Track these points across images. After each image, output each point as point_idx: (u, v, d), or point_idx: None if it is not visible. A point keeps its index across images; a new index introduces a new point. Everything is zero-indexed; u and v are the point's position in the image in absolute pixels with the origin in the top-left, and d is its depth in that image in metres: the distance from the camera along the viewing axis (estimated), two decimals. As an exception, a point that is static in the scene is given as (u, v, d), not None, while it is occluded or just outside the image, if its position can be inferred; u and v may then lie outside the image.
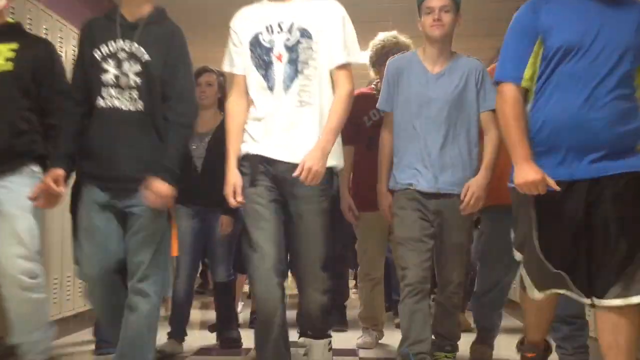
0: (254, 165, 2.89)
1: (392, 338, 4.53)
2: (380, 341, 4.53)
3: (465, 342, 3.72)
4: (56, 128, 3.13)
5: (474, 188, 3.24)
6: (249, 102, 2.98)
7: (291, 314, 5.24)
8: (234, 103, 3.01)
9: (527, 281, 2.78)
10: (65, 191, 3.01)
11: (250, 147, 2.92)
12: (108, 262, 2.95)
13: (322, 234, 2.92)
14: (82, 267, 2.98)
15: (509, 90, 2.73)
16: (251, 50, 2.94)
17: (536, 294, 2.77)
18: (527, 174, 2.62)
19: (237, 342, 4.41)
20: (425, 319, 3.24)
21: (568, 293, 2.70)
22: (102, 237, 2.95)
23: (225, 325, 4.47)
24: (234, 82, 3.02)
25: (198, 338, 4.77)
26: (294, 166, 2.82)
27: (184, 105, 2.97)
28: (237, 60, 3.00)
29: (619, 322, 2.61)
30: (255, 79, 2.94)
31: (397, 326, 4.77)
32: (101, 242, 2.94)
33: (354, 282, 8.04)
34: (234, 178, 2.90)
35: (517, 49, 2.73)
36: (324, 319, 3.07)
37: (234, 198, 2.88)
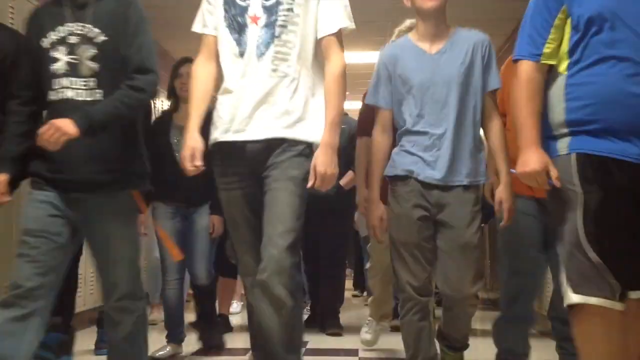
0: (225, 162, 2.66)
1: (391, 338, 4.52)
2: (379, 342, 4.52)
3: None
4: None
5: (509, 202, 2.89)
6: (219, 69, 2.69)
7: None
8: (201, 66, 2.71)
9: (565, 283, 2.34)
10: (11, 198, 2.72)
11: (219, 133, 2.64)
12: (49, 280, 2.56)
13: (292, 205, 2.52)
14: (17, 275, 2.54)
15: (525, 68, 2.43)
16: (225, 9, 2.64)
17: (572, 296, 2.30)
18: (528, 161, 2.35)
19: (220, 347, 4.25)
20: (431, 335, 2.95)
21: (601, 301, 2.26)
22: (55, 244, 2.58)
23: (206, 330, 4.32)
24: (204, 43, 2.72)
25: (196, 340, 4.75)
26: (266, 142, 2.56)
27: (142, 75, 2.62)
28: (209, 19, 2.69)
29: (635, 323, 2.31)
30: (226, 43, 2.63)
31: (393, 328, 4.76)
32: (52, 250, 2.57)
33: (351, 281, 8.00)
34: (193, 142, 2.60)
35: (535, 23, 2.42)
36: (287, 339, 2.53)
37: (192, 162, 2.59)
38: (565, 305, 2.34)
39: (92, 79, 2.60)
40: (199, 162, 2.59)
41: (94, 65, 2.60)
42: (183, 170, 2.65)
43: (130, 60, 2.62)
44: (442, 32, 2.91)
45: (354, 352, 4.26)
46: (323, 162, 2.52)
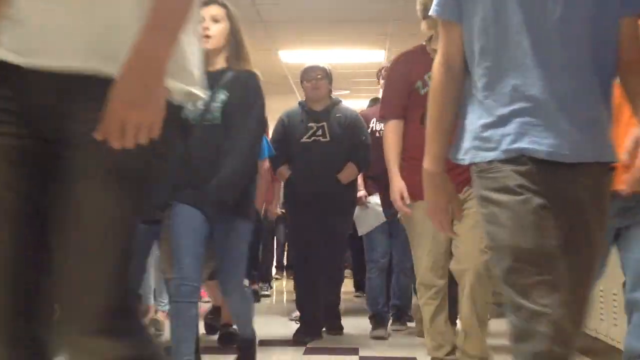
0: None
1: (391, 339, 4.51)
2: (380, 343, 4.51)
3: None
4: None
5: None
6: None
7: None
8: None
9: None
10: None
11: None
12: None
13: (110, 225, 1.33)
14: None
15: None
16: None
17: None
18: None
19: None
20: None
21: None
22: None
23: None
24: None
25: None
26: (57, 78, 1.31)
27: None
28: None
29: None
30: None
31: (393, 330, 4.74)
32: None
33: (351, 281, 7.95)
34: None
35: None
36: None
37: None
38: None
39: None
40: None
41: None
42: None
43: None
44: None
45: (354, 352, 4.25)
46: (124, 94, 1.25)
